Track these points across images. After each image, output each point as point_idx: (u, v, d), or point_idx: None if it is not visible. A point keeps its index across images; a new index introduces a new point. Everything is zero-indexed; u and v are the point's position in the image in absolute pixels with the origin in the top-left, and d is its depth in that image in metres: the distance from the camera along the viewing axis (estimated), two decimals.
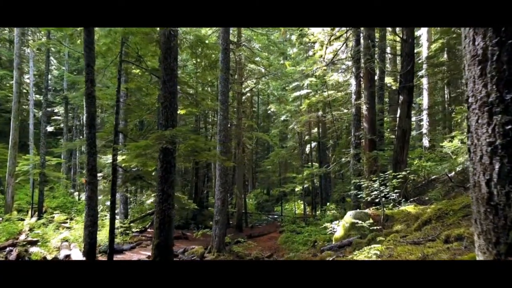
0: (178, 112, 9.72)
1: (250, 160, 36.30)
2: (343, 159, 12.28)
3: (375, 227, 7.35)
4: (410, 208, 7.73)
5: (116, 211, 16.76)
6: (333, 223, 8.64)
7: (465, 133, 12.39)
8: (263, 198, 32.81)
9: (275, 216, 26.93)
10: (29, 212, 18.56)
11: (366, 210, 7.96)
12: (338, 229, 8.15)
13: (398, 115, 11.31)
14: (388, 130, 18.53)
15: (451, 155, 9.83)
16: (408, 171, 8.06)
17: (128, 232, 13.70)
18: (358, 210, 8.03)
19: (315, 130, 24.59)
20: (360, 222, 7.57)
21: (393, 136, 18.29)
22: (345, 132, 21.49)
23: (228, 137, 13.73)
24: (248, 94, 27.26)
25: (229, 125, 23.20)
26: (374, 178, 7.70)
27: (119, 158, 8.52)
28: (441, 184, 13.27)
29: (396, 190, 8.22)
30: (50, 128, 31.84)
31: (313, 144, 25.48)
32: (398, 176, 7.66)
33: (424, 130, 21.66)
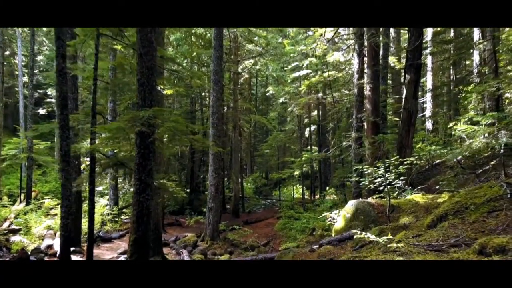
0: (164, 92, 8.91)
1: (249, 144, 35.59)
2: (343, 143, 11.53)
3: (380, 218, 6.67)
4: (418, 197, 7.03)
5: (106, 198, 16.16)
6: (332, 212, 7.96)
7: (473, 115, 11.61)
8: (261, 182, 32.24)
9: (273, 201, 26.41)
10: (19, 198, 17.95)
11: (369, 200, 7.27)
12: (339, 219, 7.47)
13: (404, 96, 10.49)
14: (391, 112, 17.70)
15: (465, 138, 9.04)
16: (416, 157, 7.32)
17: (117, 219, 13.07)
18: (360, 199, 7.34)
19: (315, 112, 23.74)
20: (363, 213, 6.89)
21: (397, 119, 17.51)
22: (345, 115, 20.69)
23: (221, 120, 12.94)
24: (246, 76, 26.29)
25: (225, 108, 22.37)
26: (379, 164, 6.98)
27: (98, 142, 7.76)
28: (448, 170, 12.56)
29: (402, 178, 7.51)
30: (42, 111, 30.96)
31: (313, 127, 24.68)
32: (405, 162, 6.92)
33: (427, 113, 20.84)
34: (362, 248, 5.47)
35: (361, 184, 8.00)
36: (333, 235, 7.45)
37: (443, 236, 3.41)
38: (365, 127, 10.91)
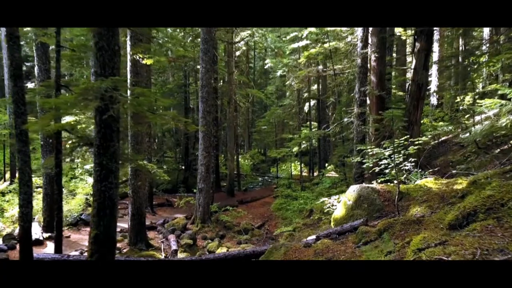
0: (143, 61, 7.84)
1: (246, 120, 34.56)
2: (345, 119, 10.54)
3: (386, 207, 5.80)
4: (430, 182, 6.13)
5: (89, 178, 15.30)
6: (331, 198, 7.08)
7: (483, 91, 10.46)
8: (259, 159, 31.42)
9: (271, 179, 25.69)
10: (3, 176, 17.15)
11: (374, 185, 6.38)
12: (339, 206, 6.61)
13: (413, 66, 9.41)
14: (395, 86, 16.57)
15: (491, 116, 8.07)
16: (429, 136, 6.36)
17: None
18: (363, 184, 6.45)
19: (315, 87, 22.58)
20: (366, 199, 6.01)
21: (401, 93, 16.44)
22: (346, 89, 19.58)
23: (212, 94, 11.88)
24: (244, 48, 24.91)
25: (221, 82, 21.20)
26: (386, 145, 6.05)
27: (69, 119, 6.78)
28: (456, 147, 11.63)
29: (411, 159, 6.59)
30: (31, 85, 29.73)
31: (312, 102, 23.57)
32: (416, 142, 5.97)
33: (433, 87, 19.68)
34: (366, 245, 4.62)
35: (364, 165, 7.09)
36: (332, 224, 6.61)
37: (480, 248, 2.56)
38: (369, 101, 9.89)
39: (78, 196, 12.19)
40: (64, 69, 15.32)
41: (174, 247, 9.27)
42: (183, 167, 23.17)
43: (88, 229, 10.75)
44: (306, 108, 24.14)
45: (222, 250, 8.12)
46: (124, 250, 8.44)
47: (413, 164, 6.70)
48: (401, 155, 6.26)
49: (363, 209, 5.96)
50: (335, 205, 7.04)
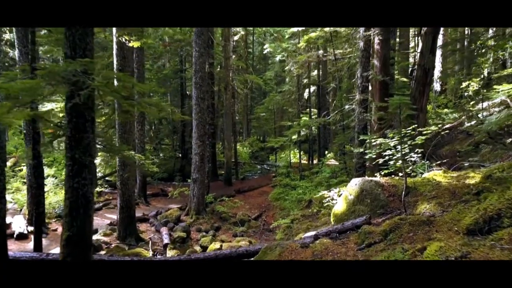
0: (130, 45, 7.25)
1: (245, 106, 33.94)
2: (346, 107, 9.99)
3: (391, 203, 5.33)
4: (438, 175, 5.64)
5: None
6: (331, 191, 6.59)
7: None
8: (258, 146, 30.92)
9: (269, 167, 25.27)
10: None
11: (377, 178, 5.89)
12: (339, 201, 6.14)
13: (419, 50, 8.84)
14: (398, 71, 15.93)
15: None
16: (439, 125, 5.85)
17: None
18: (366, 178, 5.96)
19: (315, 72, 21.92)
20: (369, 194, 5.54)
21: (405, 79, 15.82)
22: (347, 75, 18.94)
23: (207, 79, 11.29)
24: (242, 33, 24.10)
25: (218, 67, 20.54)
26: (391, 135, 5.54)
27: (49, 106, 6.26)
28: (462, 136, 11.12)
29: (417, 150, 6.10)
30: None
31: (312, 88, 22.94)
32: (425, 132, 5.46)
33: (436, 72, 19.03)
34: (370, 247, 4.16)
35: (366, 156, 6.59)
36: (332, 219, 6.16)
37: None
38: (372, 87, 9.34)
39: (60, 193, 11.71)
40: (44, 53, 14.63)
41: (166, 240, 8.86)
42: (180, 155, 22.69)
43: None
44: (306, 95, 23.52)
45: (215, 246, 7.69)
46: (113, 245, 8.02)
47: (419, 155, 6.20)
48: (406, 145, 5.76)
49: (365, 204, 5.49)
50: (335, 200, 6.57)
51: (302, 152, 22.85)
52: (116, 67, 7.99)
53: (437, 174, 5.72)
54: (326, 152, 21.80)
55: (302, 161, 21.27)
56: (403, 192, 4.95)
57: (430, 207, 4.62)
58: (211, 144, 17.83)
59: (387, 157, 6.06)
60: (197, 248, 7.93)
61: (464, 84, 16.84)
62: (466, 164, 6.46)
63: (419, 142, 5.55)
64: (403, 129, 5.41)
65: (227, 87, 17.10)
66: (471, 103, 16.40)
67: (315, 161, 21.77)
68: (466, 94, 17.18)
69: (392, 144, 5.64)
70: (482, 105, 12.89)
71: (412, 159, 6.17)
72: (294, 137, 20.34)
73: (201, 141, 10.82)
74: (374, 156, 6.52)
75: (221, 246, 7.71)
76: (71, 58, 3.89)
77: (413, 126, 5.45)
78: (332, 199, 6.60)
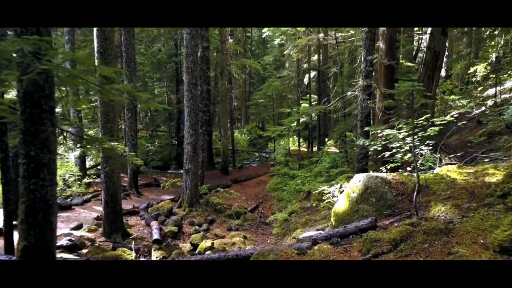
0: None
1: (243, 92, 33.16)
2: (348, 93, 9.31)
3: (400, 203, 4.74)
4: (452, 171, 5.04)
5: (69, 156, 14.20)
6: (332, 187, 5.97)
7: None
8: (256, 133, 30.25)
9: (268, 153, 24.68)
10: None
11: (383, 174, 5.28)
12: (341, 198, 5.55)
13: (429, 31, 8.11)
14: (402, 55, 15.15)
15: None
16: (455, 115, 5.22)
17: (80, 183, 11.17)
18: (371, 173, 5.35)
19: (315, 57, 21.10)
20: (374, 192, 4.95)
21: (410, 64, 15.06)
22: (348, 60, 18.17)
23: (198, 64, 10.58)
24: None
25: (215, 51, 19.69)
26: (401, 126, 4.92)
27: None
28: (471, 124, 10.47)
29: (428, 142, 5.49)
30: None
31: (312, 74, 22.15)
32: (438, 122, 4.83)
33: None
34: (377, 257, 3.58)
35: (371, 148, 5.97)
36: (332, 219, 5.58)
37: None
38: (377, 72, 8.65)
39: None
40: None
41: (155, 236, 8.32)
42: (176, 142, 22.07)
43: (64, 214, 9.80)
44: (305, 80, 22.75)
45: (206, 244, 7.15)
46: (97, 242, 7.49)
47: (430, 148, 5.59)
48: (417, 137, 5.15)
49: (370, 204, 4.90)
50: (336, 196, 5.98)
51: (301, 139, 22.25)
52: (97, 50, 7.30)
53: (450, 170, 5.12)
54: (326, 139, 21.20)
55: (302, 149, 20.69)
56: (415, 192, 4.35)
57: (446, 210, 4.02)
58: (207, 132, 17.21)
59: (394, 150, 5.46)
60: (187, 245, 7.39)
61: (472, 69, 16.10)
62: (480, 156, 5.85)
63: (431, 134, 4.94)
64: (415, 120, 4.78)
65: (223, 72, 16.35)
66: (479, 89, 15.71)
67: (314, 149, 21.19)
68: (474, 79, 16.46)
69: (401, 136, 5.03)
70: (497, 90, 12.16)
71: (423, 152, 5.56)
72: (293, 125, 19.72)
73: (193, 130, 10.19)
74: (380, 148, 5.91)
75: (212, 244, 7.17)
76: (22, 35, 3.23)
77: (426, 116, 4.82)
78: (333, 196, 6.01)
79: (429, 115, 4.89)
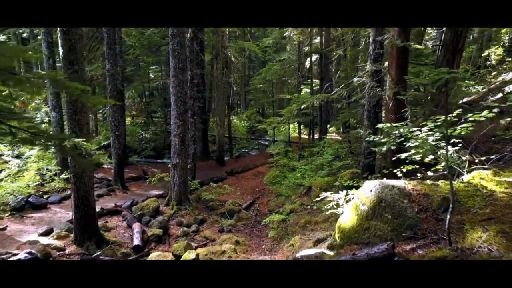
0: None
1: (242, 76, 31.93)
2: (355, 79, 8.20)
3: (423, 223, 3.75)
4: (487, 179, 4.02)
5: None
6: (336, 196, 4.92)
7: None
8: (256, 119, 29.14)
9: (267, 142, 23.68)
10: None
11: (401, 182, 4.25)
12: (347, 210, 4.55)
13: None
14: (412, 36, 13.88)
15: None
16: (466, 102, 4.14)
17: (54, 179, 10.12)
18: (385, 181, 4.31)
19: (317, 39, 19.84)
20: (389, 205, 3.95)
21: (419, 46, 13.83)
22: (350, 43, 16.95)
23: (185, 46, 9.44)
24: None
25: (211, 34, 18.42)
26: (425, 123, 3.89)
27: None
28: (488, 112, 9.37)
29: (454, 140, 4.46)
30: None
31: (314, 57, 20.90)
32: (471, 118, 3.79)
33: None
34: None
35: (384, 148, 4.93)
36: (336, 236, 4.58)
37: None
38: (388, 55, 7.53)
39: (29, 172, 10.16)
40: None
41: (136, 241, 7.42)
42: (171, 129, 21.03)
43: (37, 214, 8.80)
44: (307, 64, 21.54)
45: (190, 255, 6.19)
46: (67, 251, 6.57)
47: (457, 148, 4.55)
48: (439, 135, 4.13)
49: (385, 221, 3.91)
50: (342, 205, 4.96)
51: (302, 126, 21.17)
52: (60, 29, 6.20)
53: (484, 177, 4.10)
54: (328, 126, 20.14)
55: (302, 136, 19.64)
56: (447, 210, 3.34)
57: (489, 239, 3.03)
58: (201, 120, 16.15)
59: (412, 151, 4.44)
60: (169, 256, 6.46)
61: (486, 52, 14.90)
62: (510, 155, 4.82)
63: (463, 132, 3.90)
64: (436, 116, 3.75)
65: (218, 56, 15.17)
66: (493, 73, 14.55)
67: (316, 136, 20.16)
68: (487, 63, 15.25)
69: (423, 135, 4.00)
70: (500, 75, 10.98)
71: (451, 156, 4.53)
72: (294, 113, 18.62)
73: (181, 120, 9.15)
74: (394, 147, 4.88)
75: (197, 256, 6.23)
76: None
77: (458, 112, 3.78)
78: (338, 205, 4.99)
79: (460, 109, 3.84)
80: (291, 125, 23.00)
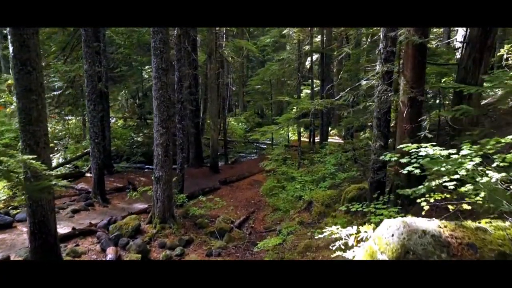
0: None
1: (240, 76, 30.90)
2: (363, 82, 7.13)
3: None
4: None
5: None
6: (342, 231, 3.83)
7: None
8: (255, 121, 28.05)
9: (267, 144, 22.59)
10: None
11: (433, 225, 3.16)
12: (359, 257, 3.48)
13: None
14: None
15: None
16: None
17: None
18: (410, 222, 3.24)
19: (318, 38, 18.80)
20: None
21: (433, 42, 12.73)
22: (353, 42, 15.84)
23: (168, 43, 8.35)
24: None
25: (206, 32, 17.35)
26: (462, 144, 2.84)
27: None
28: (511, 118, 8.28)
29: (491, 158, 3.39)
30: None
31: (315, 56, 19.85)
32: None
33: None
34: None
35: (405, 171, 3.86)
36: None
37: None
38: (403, 54, 6.45)
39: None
40: None
41: None
42: None
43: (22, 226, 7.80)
44: (307, 64, 20.49)
45: None
46: None
47: (503, 175, 3.47)
48: (473, 154, 3.10)
49: None
50: (351, 245, 3.85)
51: (302, 129, 20.10)
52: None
53: None
54: (330, 129, 19.11)
55: (302, 139, 18.55)
56: None
57: None
58: (193, 124, 15.09)
59: (445, 178, 3.41)
60: None
61: (502, 50, 13.82)
62: None
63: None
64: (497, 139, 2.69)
65: (212, 55, 14.10)
66: (511, 74, 13.42)
67: (317, 139, 19.11)
68: (504, 62, 14.18)
69: (469, 166, 2.95)
70: None
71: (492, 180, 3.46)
72: (293, 111, 17.46)
73: (164, 128, 8.08)
74: (417, 170, 3.81)
75: None
76: None
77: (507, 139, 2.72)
78: (346, 247, 3.83)
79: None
80: (290, 128, 21.92)
